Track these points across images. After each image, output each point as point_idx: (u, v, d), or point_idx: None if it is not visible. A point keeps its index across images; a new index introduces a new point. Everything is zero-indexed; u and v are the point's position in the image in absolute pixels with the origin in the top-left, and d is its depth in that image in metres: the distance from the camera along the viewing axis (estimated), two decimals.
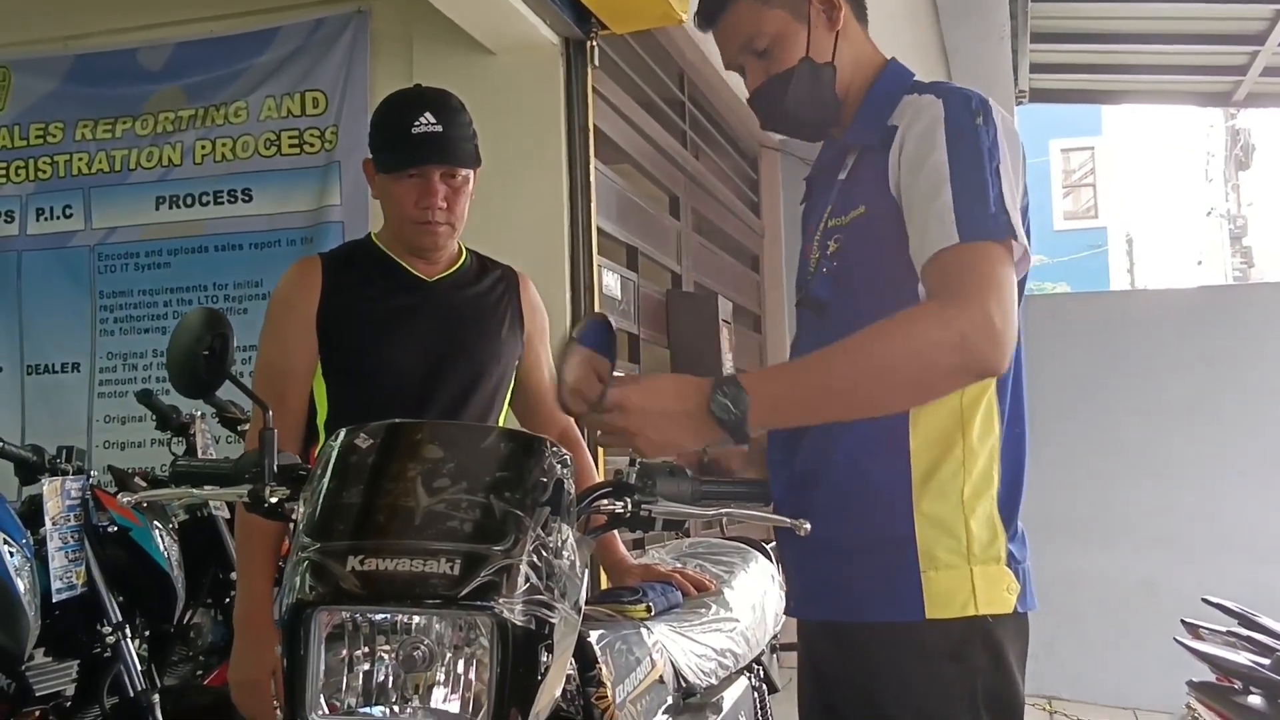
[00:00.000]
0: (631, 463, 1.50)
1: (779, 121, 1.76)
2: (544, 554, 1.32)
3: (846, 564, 1.61)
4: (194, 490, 1.68)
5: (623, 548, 2.38)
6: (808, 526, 1.48)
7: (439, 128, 2.16)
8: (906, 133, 1.58)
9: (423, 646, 1.28)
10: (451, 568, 1.26)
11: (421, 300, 2.26)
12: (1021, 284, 1.56)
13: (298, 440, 2.20)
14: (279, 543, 2.17)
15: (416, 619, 1.28)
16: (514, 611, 1.27)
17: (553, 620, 1.31)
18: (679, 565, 2.43)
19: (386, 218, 2.29)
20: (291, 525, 1.51)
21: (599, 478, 2.64)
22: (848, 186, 1.69)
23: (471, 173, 2.24)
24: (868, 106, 1.70)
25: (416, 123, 2.15)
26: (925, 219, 1.51)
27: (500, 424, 2.32)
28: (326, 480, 1.39)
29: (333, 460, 1.42)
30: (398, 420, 1.48)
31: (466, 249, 2.38)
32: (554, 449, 1.44)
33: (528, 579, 1.29)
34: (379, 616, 1.29)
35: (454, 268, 2.32)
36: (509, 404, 2.37)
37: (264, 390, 2.18)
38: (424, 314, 2.25)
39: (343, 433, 1.45)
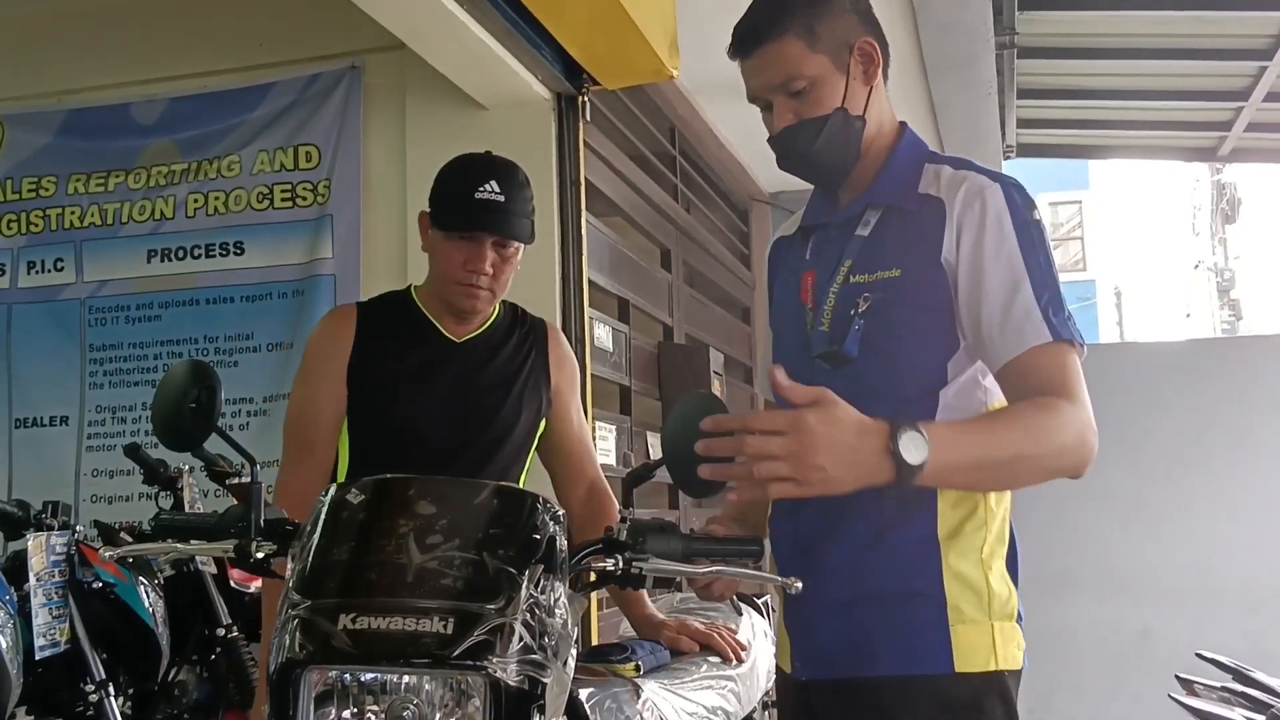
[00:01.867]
0: (622, 520, 1.49)
1: (800, 164, 1.74)
2: (537, 612, 1.31)
3: (868, 620, 1.61)
4: (178, 545, 1.66)
5: (650, 603, 2.35)
6: (799, 585, 1.47)
7: (501, 197, 2.17)
8: (963, 213, 1.60)
9: (412, 706, 1.26)
10: (444, 626, 1.25)
11: (447, 360, 2.26)
12: None
13: (323, 485, 2.17)
14: None
15: (408, 679, 1.26)
16: (507, 671, 1.25)
17: (545, 680, 1.29)
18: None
19: (431, 272, 2.29)
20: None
21: None
22: (873, 245, 1.68)
23: (522, 245, 2.26)
24: (892, 169, 1.71)
25: (481, 188, 2.17)
26: (1010, 314, 1.55)
27: (522, 482, 2.30)
28: (317, 536, 1.38)
29: (323, 516, 1.40)
30: (389, 475, 1.47)
31: (502, 301, 2.37)
32: (546, 505, 1.43)
33: (521, 638, 1.28)
34: (370, 676, 1.27)
35: (484, 327, 2.31)
36: (534, 455, 2.36)
37: (292, 436, 2.21)
38: (447, 375, 2.25)
39: (333, 488, 1.44)
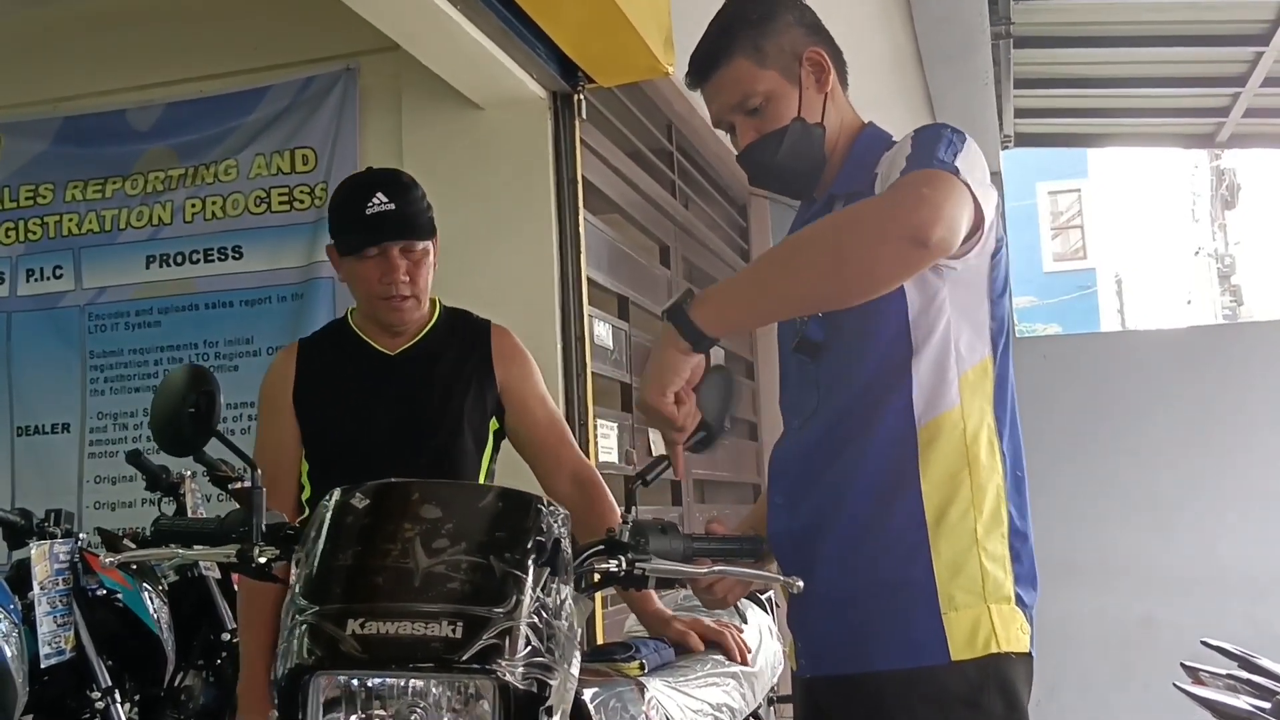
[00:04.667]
0: (624, 521, 1.50)
1: (768, 178, 1.81)
2: (544, 615, 1.31)
3: (862, 614, 1.62)
4: (180, 550, 1.66)
5: (658, 599, 2.34)
6: (800, 584, 1.48)
7: (391, 205, 2.24)
8: (885, 164, 1.63)
9: (419, 710, 1.26)
10: (453, 630, 1.25)
11: (383, 376, 2.32)
12: (997, 265, 1.63)
13: (291, 516, 2.20)
14: (280, 606, 2.17)
15: (416, 683, 1.27)
16: (515, 674, 1.26)
17: (553, 682, 1.29)
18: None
19: (355, 298, 2.36)
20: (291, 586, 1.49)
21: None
22: None
23: (431, 244, 2.31)
24: (852, 161, 1.75)
25: (370, 203, 2.23)
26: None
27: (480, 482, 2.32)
28: (322, 541, 1.37)
29: (327, 521, 1.40)
30: (392, 480, 1.47)
31: (441, 308, 2.42)
32: (551, 507, 1.43)
33: (528, 641, 1.28)
34: (379, 681, 1.27)
35: (419, 337, 2.36)
36: (489, 458, 2.38)
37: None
38: (384, 390, 2.30)
39: (337, 492, 1.43)
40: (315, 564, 1.35)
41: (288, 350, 2.42)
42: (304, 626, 1.29)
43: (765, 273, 1.55)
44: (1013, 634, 1.59)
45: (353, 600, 1.29)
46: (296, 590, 1.35)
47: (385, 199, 2.24)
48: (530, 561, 1.34)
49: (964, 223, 1.47)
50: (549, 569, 1.35)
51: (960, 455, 1.60)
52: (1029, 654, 1.61)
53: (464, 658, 1.24)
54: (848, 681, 1.64)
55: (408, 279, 2.26)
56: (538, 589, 1.32)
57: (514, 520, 1.39)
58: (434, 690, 1.27)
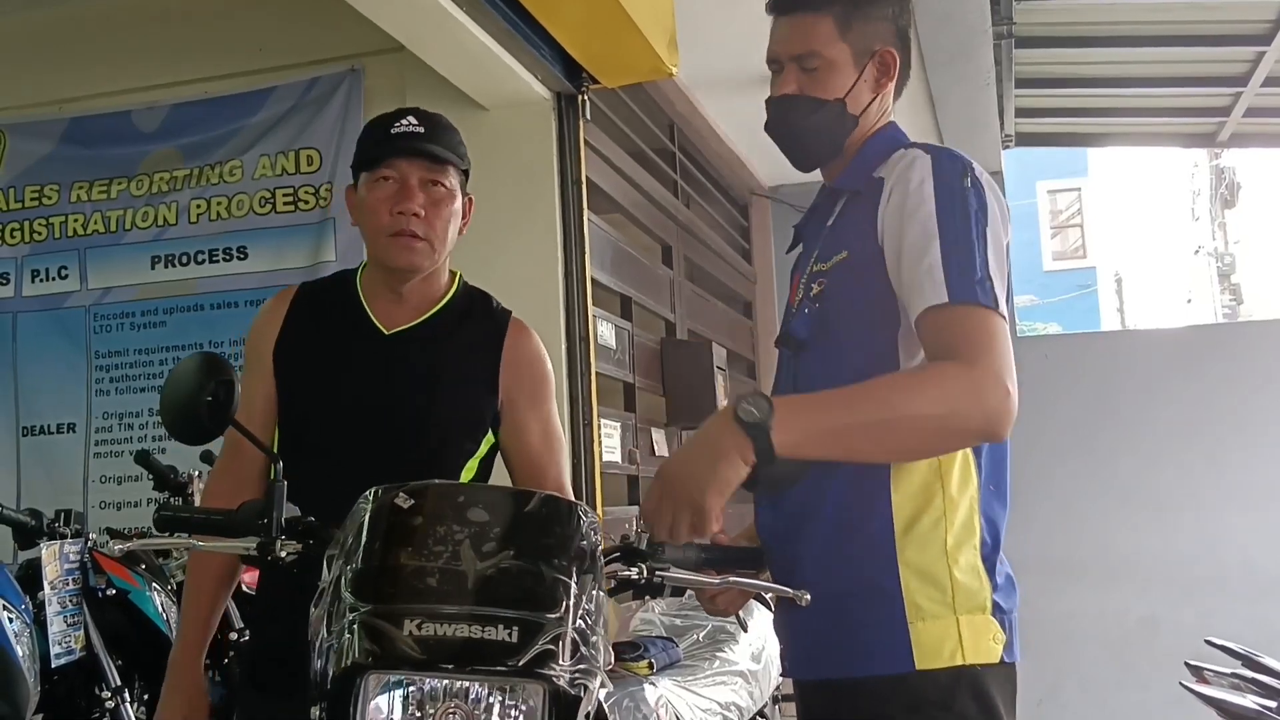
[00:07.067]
0: (640, 529, 1.51)
1: (784, 133, 1.79)
2: (587, 620, 1.33)
3: (834, 620, 1.61)
4: (198, 543, 1.67)
5: None
6: (808, 597, 1.50)
7: (421, 129, 2.01)
8: (894, 184, 1.62)
9: (462, 710, 1.26)
10: (509, 634, 1.26)
11: (371, 355, 2.03)
12: None
13: (256, 487, 1.98)
14: (228, 592, 2.11)
15: (467, 684, 1.27)
16: (565, 679, 1.27)
17: (593, 686, 1.31)
18: (677, 621, 2.42)
19: (365, 241, 2.08)
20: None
21: None
22: (833, 232, 1.73)
23: (458, 190, 2.05)
24: (860, 158, 1.75)
25: (397, 124, 2.02)
26: (916, 272, 1.54)
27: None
28: (365, 540, 1.37)
29: (368, 520, 1.39)
30: (436, 481, 1.47)
31: (461, 283, 2.15)
32: (588, 514, 1.44)
33: (575, 647, 1.29)
34: (437, 682, 1.27)
35: (424, 317, 2.07)
36: (474, 471, 2.08)
37: (226, 437, 1.98)
38: (370, 372, 2.02)
39: (379, 492, 1.43)
40: (361, 562, 1.34)
41: (281, 295, 2.14)
42: (357, 625, 1.28)
43: (844, 418, 1.48)
44: (983, 646, 1.58)
45: (407, 600, 1.29)
46: (342, 588, 1.34)
47: (415, 122, 2.02)
48: (575, 567, 1.35)
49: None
50: (590, 575, 1.37)
51: (933, 469, 1.60)
52: (1003, 662, 1.60)
53: (521, 662, 1.25)
54: (826, 684, 1.65)
55: (423, 214, 1.98)
56: (582, 595, 1.33)
57: (558, 526, 1.40)
58: (476, 690, 1.27)
